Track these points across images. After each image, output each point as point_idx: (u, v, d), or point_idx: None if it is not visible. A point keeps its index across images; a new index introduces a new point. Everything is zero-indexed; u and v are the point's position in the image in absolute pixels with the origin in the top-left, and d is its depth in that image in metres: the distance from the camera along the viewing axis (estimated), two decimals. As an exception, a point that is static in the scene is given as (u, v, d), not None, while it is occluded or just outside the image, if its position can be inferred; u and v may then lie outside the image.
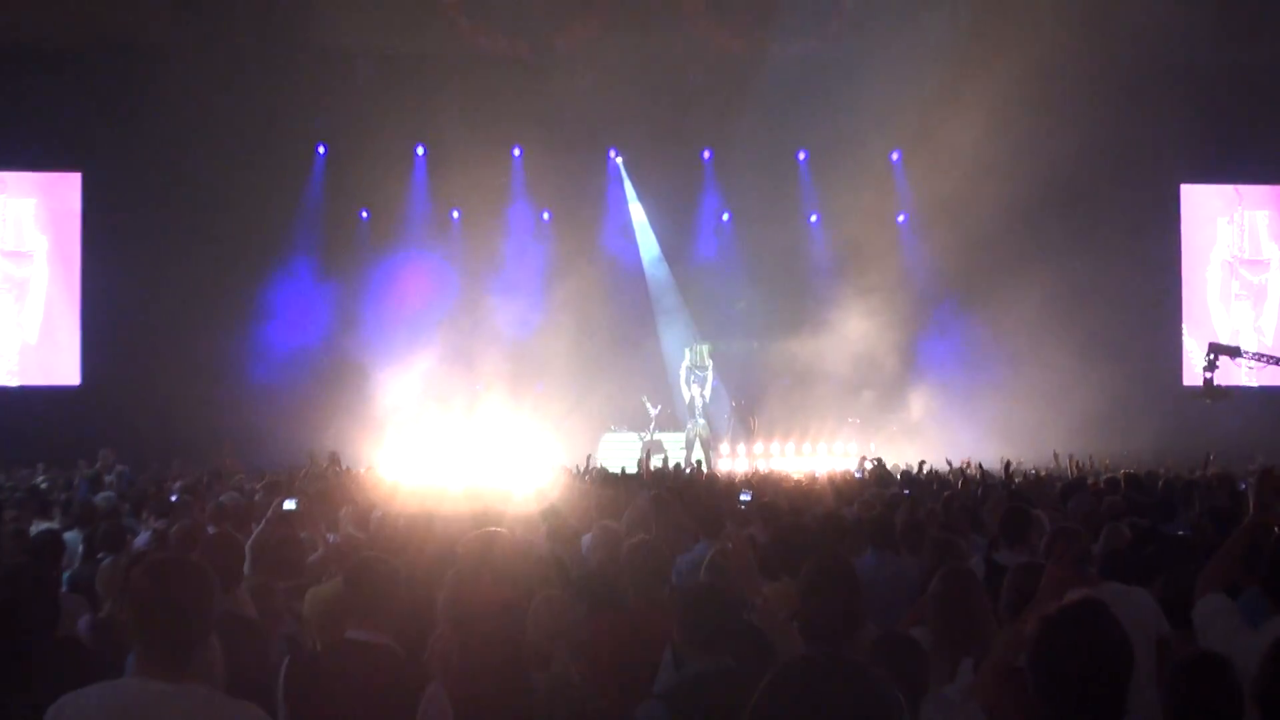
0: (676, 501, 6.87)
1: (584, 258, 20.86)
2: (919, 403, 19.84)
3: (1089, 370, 17.97)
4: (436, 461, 15.23)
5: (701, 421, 18.27)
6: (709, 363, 18.59)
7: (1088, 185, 19.50)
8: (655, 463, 13.55)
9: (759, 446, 18.96)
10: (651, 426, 19.85)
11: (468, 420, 18.78)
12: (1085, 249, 19.24)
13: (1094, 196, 19.80)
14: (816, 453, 18.19)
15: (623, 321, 21.34)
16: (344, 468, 10.82)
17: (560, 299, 20.11)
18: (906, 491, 8.33)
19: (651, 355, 21.40)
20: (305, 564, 5.32)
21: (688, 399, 18.31)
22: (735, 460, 18.06)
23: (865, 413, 20.21)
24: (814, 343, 19.77)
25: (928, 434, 18.53)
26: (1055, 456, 13.18)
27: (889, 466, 12.79)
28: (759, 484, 9.38)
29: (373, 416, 18.22)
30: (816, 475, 11.31)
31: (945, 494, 8.09)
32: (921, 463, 12.16)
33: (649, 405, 19.85)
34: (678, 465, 13.15)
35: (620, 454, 18.35)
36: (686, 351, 18.42)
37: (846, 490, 8.83)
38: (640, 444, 19.39)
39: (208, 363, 18.50)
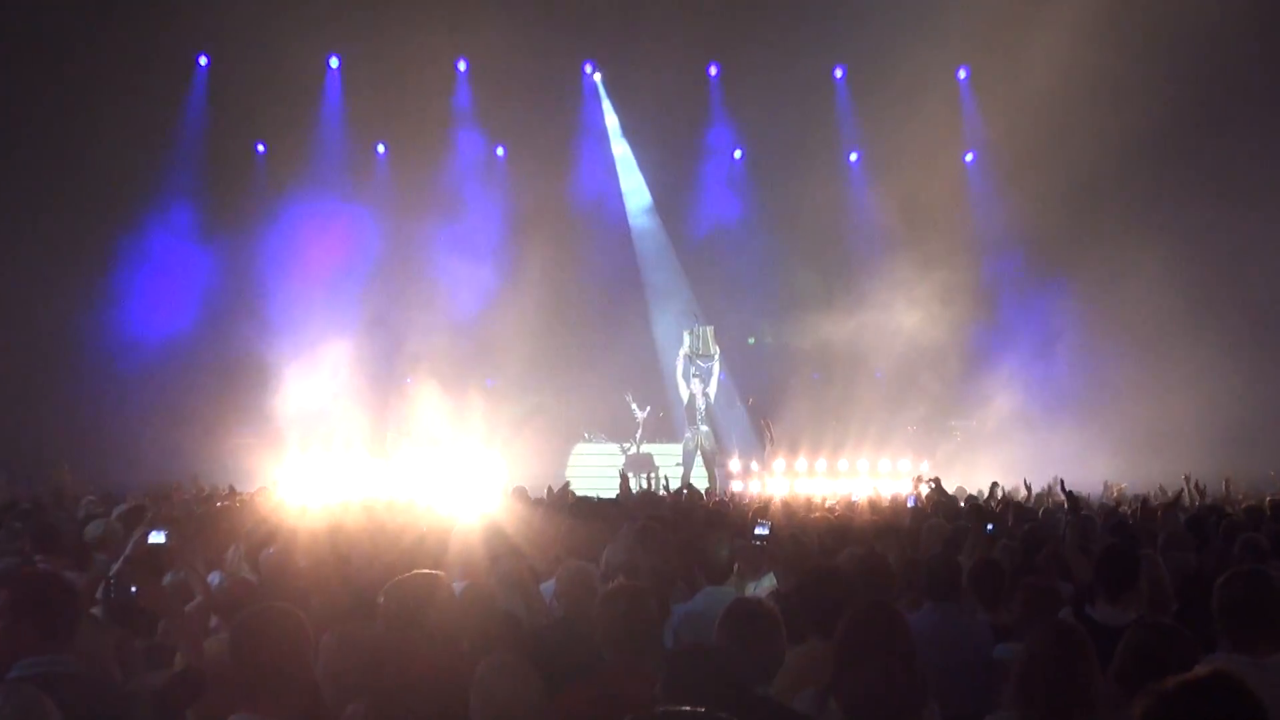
0: (670, 535, 6.86)
1: (550, 209, 20.96)
2: (992, 406, 20.01)
3: (1230, 365, 17.44)
4: (354, 481, 15.26)
5: (704, 429, 18.22)
6: (715, 350, 18.49)
7: (1232, 110, 18.53)
8: (639, 484, 13.54)
9: (779, 463, 18.95)
10: (638, 435, 19.95)
11: (396, 425, 19.01)
12: (1227, 199, 18.10)
13: (1240, 126, 18.47)
14: (855, 472, 18.24)
15: (601, 294, 21.54)
16: (235, 492, 10.78)
17: (519, 264, 20.24)
18: (990, 527, 8.37)
19: (639, 340, 21.56)
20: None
21: (686, 398, 18.26)
22: (748, 481, 18.11)
23: (921, 418, 20.43)
24: (852, 325, 19.92)
25: (1003, 447, 18.66)
26: (1185, 482, 11.73)
27: (952, 490, 12.80)
28: (779, 513, 9.39)
29: (271, 420, 18.31)
30: (855, 501, 11.38)
31: (1026, 527, 8.10)
32: (994, 486, 12.19)
33: (635, 407, 19.91)
34: (673, 487, 13.17)
35: (598, 471, 18.39)
36: (685, 335, 18.32)
37: (895, 522, 8.88)
38: (623, 458, 19.58)
39: (52, 349, 18.39)
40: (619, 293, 21.82)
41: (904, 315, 19.79)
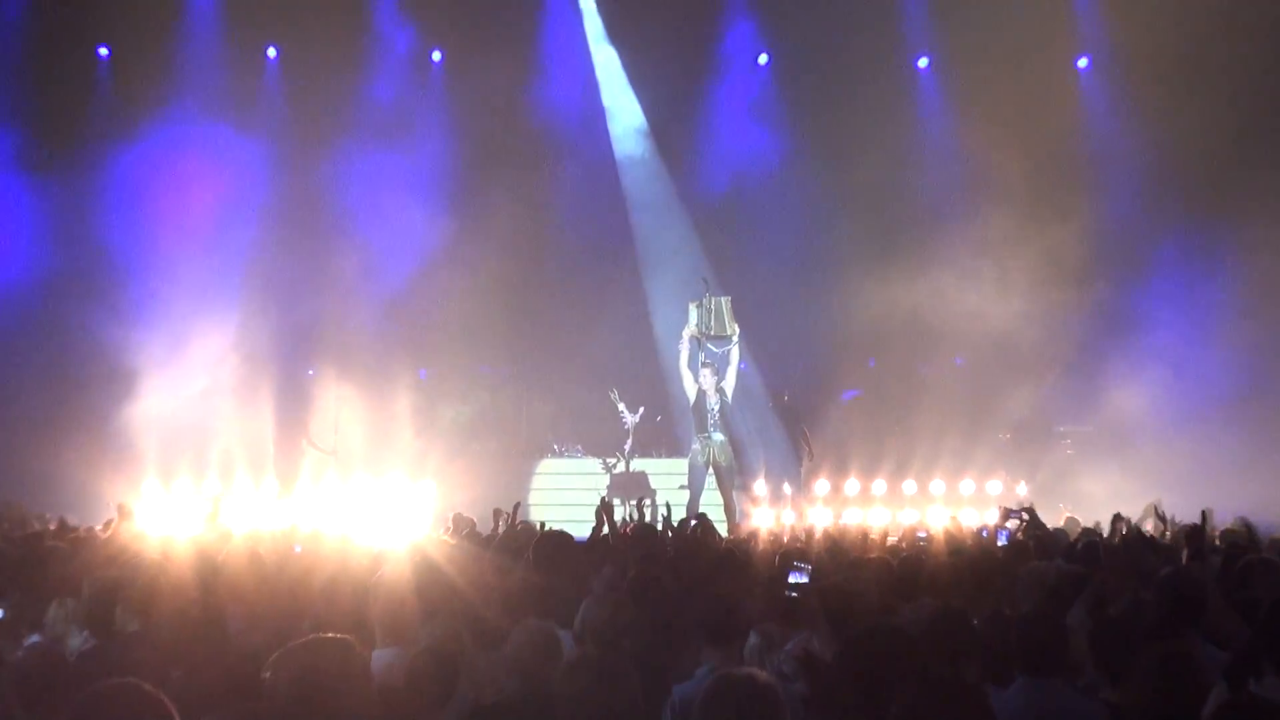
0: (672, 584, 6.86)
1: (506, 138, 21.15)
2: (1115, 407, 19.95)
3: None
4: (235, 508, 15.30)
5: (718, 438, 18.10)
6: (733, 330, 18.36)
7: None
8: (628, 513, 13.54)
9: (822, 485, 18.97)
10: (627, 447, 20.06)
11: (291, 434, 19.17)
12: None
13: None
14: (926, 497, 18.26)
15: (577, 254, 21.80)
16: (67, 526, 10.74)
17: (464, 213, 20.44)
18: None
19: (629, 316, 21.70)
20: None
21: (694, 396, 18.13)
22: (779, 509, 18.12)
23: (1017, 423, 20.50)
24: (922, 296, 20.03)
25: (1129, 464, 18.64)
26: None
27: (1060, 522, 12.79)
28: (822, 553, 9.41)
29: (121, 428, 18.32)
30: (926, 537, 11.41)
31: (1163, 572, 8.08)
32: (1117, 519, 12.17)
33: (623, 409, 19.99)
34: (676, 517, 13.14)
35: (573, 496, 18.45)
36: (692, 310, 18.12)
37: (979, 566, 8.86)
38: (607, 479, 19.65)
39: None
40: (601, 252, 21.97)
41: (994, 283, 19.90)
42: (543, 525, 11.95)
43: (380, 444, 18.56)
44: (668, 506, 13.75)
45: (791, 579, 7.32)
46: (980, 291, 19.95)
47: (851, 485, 18.38)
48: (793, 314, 21.51)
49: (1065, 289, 19.92)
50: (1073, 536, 11.37)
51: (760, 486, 18.45)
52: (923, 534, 11.76)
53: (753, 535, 13.01)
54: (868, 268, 20.50)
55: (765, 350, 21.32)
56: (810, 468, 19.44)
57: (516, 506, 12.61)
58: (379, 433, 18.66)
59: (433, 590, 6.91)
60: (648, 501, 17.94)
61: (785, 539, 11.89)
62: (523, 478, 20.16)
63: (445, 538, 11.07)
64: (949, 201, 21.21)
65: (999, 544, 11.04)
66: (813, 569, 7.68)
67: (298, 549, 9.58)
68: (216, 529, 10.95)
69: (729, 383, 17.63)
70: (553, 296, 21.48)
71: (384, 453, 18.44)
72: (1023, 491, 17.34)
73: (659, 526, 12.64)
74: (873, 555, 9.24)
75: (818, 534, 11.71)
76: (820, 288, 21.58)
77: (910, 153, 21.73)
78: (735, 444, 18.26)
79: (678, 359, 18.02)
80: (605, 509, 12.14)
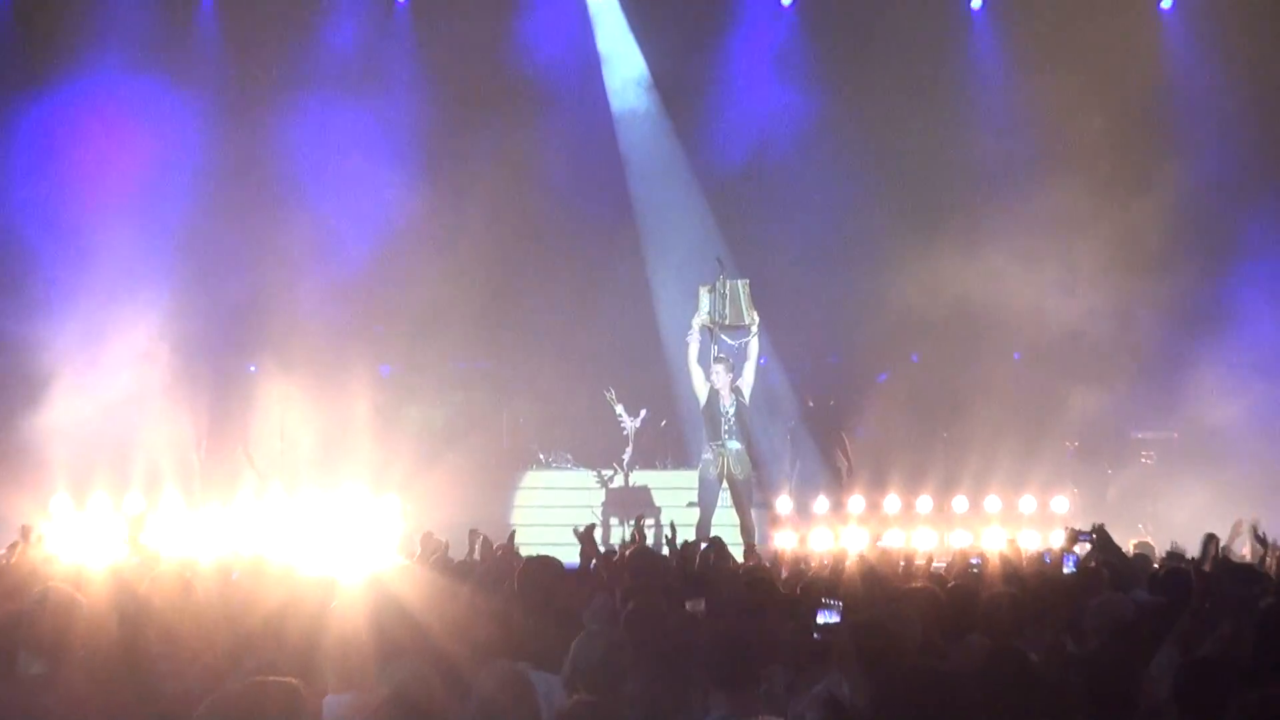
0: (674, 618, 6.96)
1: (484, 91, 21.30)
2: (1203, 411, 20.00)
3: None
4: (161, 529, 15.25)
5: (734, 446, 18.04)
6: (751, 320, 18.31)
7: None
8: (627, 535, 13.54)
9: (856, 501, 18.92)
10: (626, 457, 20.20)
11: (228, 441, 19.20)
12: None
13: None
14: (981, 516, 18.23)
15: (567, 228, 21.94)
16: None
17: (436, 182, 20.63)
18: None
19: (631, 302, 21.81)
20: None
21: (705, 397, 18.10)
22: (807, 530, 18.06)
23: (1087, 430, 20.53)
24: (972, 283, 20.09)
25: (1219, 477, 18.64)
26: None
27: (1136, 544, 12.76)
28: (856, 585, 9.39)
29: (26, 437, 18.27)
30: (978, 562, 11.42)
31: (1263, 604, 8.03)
32: (1209, 539, 12.11)
33: (620, 411, 20.16)
34: (678, 539, 13.10)
35: (562, 514, 18.51)
36: (703, 295, 18.05)
37: (1041, 598, 8.96)
38: (602, 494, 19.78)
39: None
40: (597, 226, 22.06)
41: (1059, 268, 20.03)
42: (497, 546, 12.04)
43: (335, 453, 18.57)
44: (672, 527, 13.73)
45: (822, 619, 7.31)
46: (1043, 277, 20.08)
47: (891, 502, 18.30)
48: (822, 301, 21.62)
49: (1143, 274, 19.99)
50: (1155, 562, 11.35)
51: (784, 504, 18.44)
52: (975, 559, 11.74)
53: (774, 561, 13.02)
54: (911, 248, 20.63)
55: (790, 343, 21.36)
56: (847, 483, 19.41)
57: (512, 535, 12.64)
58: (333, 439, 18.68)
59: (395, 626, 6.90)
60: (650, 521, 17.85)
61: (813, 565, 11.88)
62: (504, 491, 20.28)
63: (411, 564, 11.05)
64: (1007, 171, 21.33)
65: (1065, 571, 11.04)
66: (844, 601, 7.68)
67: (235, 577, 9.54)
68: (140, 553, 10.93)
69: (747, 381, 17.58)
70: (539, 279, 21.56)
71: (339, 463, 18.37)
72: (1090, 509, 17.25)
73: (664, 550, 12.65)
74: (916, 584, 9.23)
75: (851, 559, 11.66)
76: (855, 271, 21.63)
77: (962, 113, 21.83)
78: (754, 453, 18.27)
79: (686, 353, 17.99)
80: (582, 537, 12.15)
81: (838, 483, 19.68)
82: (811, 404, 20.59)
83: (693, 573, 10.59)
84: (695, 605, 8.30)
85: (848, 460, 19.43)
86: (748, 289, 17.83)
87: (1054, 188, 20.17)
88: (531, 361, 21.18)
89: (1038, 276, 20.06)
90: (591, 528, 12.93)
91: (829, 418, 20.25)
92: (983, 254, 20.08)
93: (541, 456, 21.22)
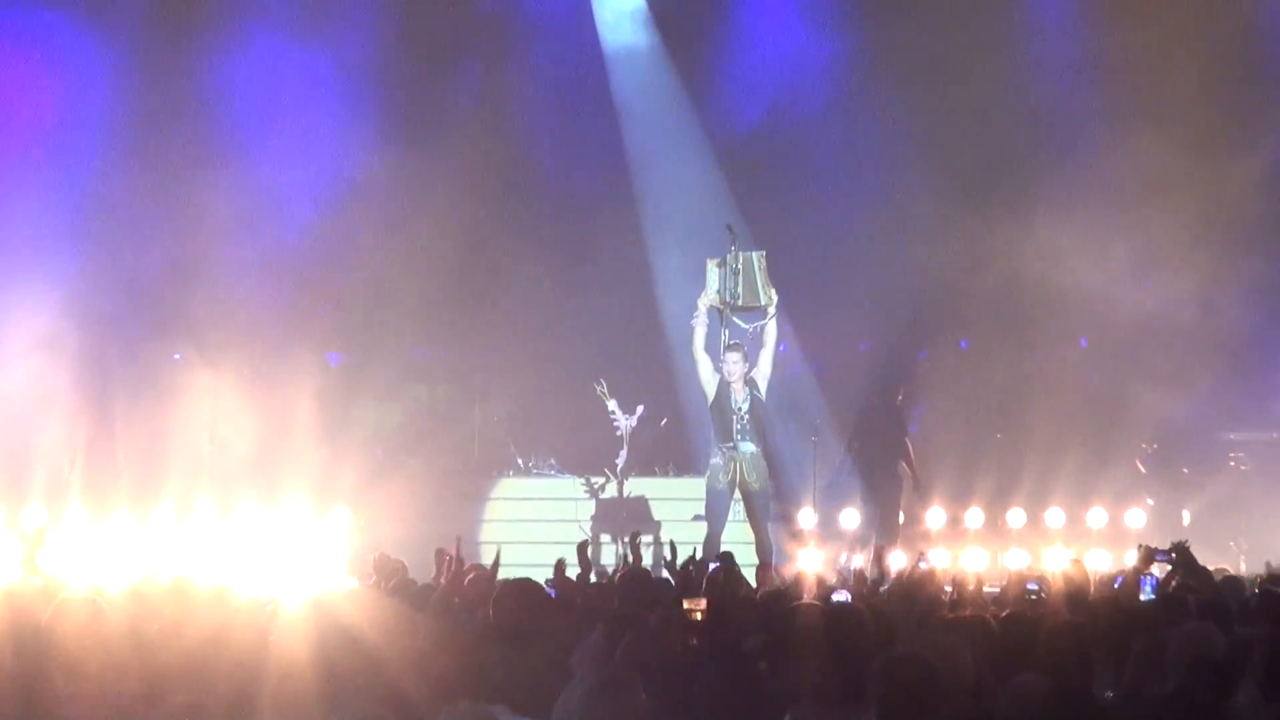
0: (682, 648, 6.93)
1: (457, 25, 21.46)
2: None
3: None
4: (67, 548, 15.23)
5: (748, 450, 18.02)
6: (768, 299, 18.28)
7: None
8: (621, 554, 13.53)
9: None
10: (619, 461, 20.18)
11: (148, 443, 19.10)
12: None
13: None
14: (1041, 532, 18.22)
15: (552, 192, 22.16)
16: None
17: (396, 135, 20.71)
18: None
19: (626, 278, 21.91)
20: None
21: (713, 391, 18.07)
22: (838, 551, 18.05)
23: (1169, 432, 20.58)
24: (1030, 259, 20.25)
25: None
26: None
27: (1230, 566, 12.74)
28: (890, 612, 9.43)
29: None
30: (1038, 586, 11.43)
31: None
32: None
33: (613, 408, 20.13)
34: (683, 560, 13.05)
35: (545, 530, 18.76)
36: (711, 270, 18.04)
37: (1113, 629, 8.92)
38: (592, 505, 19.84)
39: None
40: (586, 188, 22.19)
41: (1135, 242, 20.07)
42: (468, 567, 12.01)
43: (274, 457, 18.57)
44: (672, 546, 13.72)
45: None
46: (1115, 252, 20.16)
47: (935, 515, 18.34)
48: (853, 279, 21.65)
49: (1234, 251, 20.06)
50: (1253, 588, 11.32)
51: (806, 517, 18.45)
52: (1034, 584, 11.73)
53: (795, 584, 12.95)
54: (959, 217, 20.74)
55: (814, 327, 21.39)
56: (917, 500, 19.38)
57: (497, 559, 12.59)
58: (272, 441, 18.70)
59: (344, 659, 6.99)
60: (648, 538, 17.84)
61: (839, 588, 11.84)
62: (474, 505, 20.33)
63: (364, 588, 11.06)
64: (1075, 126, 21.40)
65: (1140, 597, 11.01)
66: (880, 633, 7.67)
67: (154, 602, 9.49)
68: (39, 576, 10.91)
69: (763, 372, 17.58)
70: (519, 251, 21.54)
71: (279, 469, 18.35)
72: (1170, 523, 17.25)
73: (661, 573, 12.64)
74: (965, 613, 9.26)
75: (889, 581, 11.66)
76: (891, 243, 21.67)
77: (1021, 56, 21.78)
78: (771, 457, 18.28)
79: (691, 339, 17.97)
80: (580, 552, 12.15)
81: (895, 495, 19.68)
82: (901, 398, 20.50)
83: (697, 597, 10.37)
84: (694, 605, 8.28)
85: (914, 472, 19.34)
86: (764, 262, 17.81)
87: (1131, 147, 20.07)
88: (508, 349, 21.26)
89: (1109, 251, 20.14)
90: (584, 546, 12.94)
91: (895, 417, 20.15)
92: (1044, 224, 20.22)
93: (520, 461, 21.23)
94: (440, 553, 12.42)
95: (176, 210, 20.23)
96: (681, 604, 10.05)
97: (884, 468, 19.95)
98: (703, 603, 8.51)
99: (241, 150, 20.43)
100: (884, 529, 19.06)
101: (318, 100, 20.52)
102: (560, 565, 12.43)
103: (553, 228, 21.93)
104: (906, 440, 19.54)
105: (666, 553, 13.26)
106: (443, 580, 11.76)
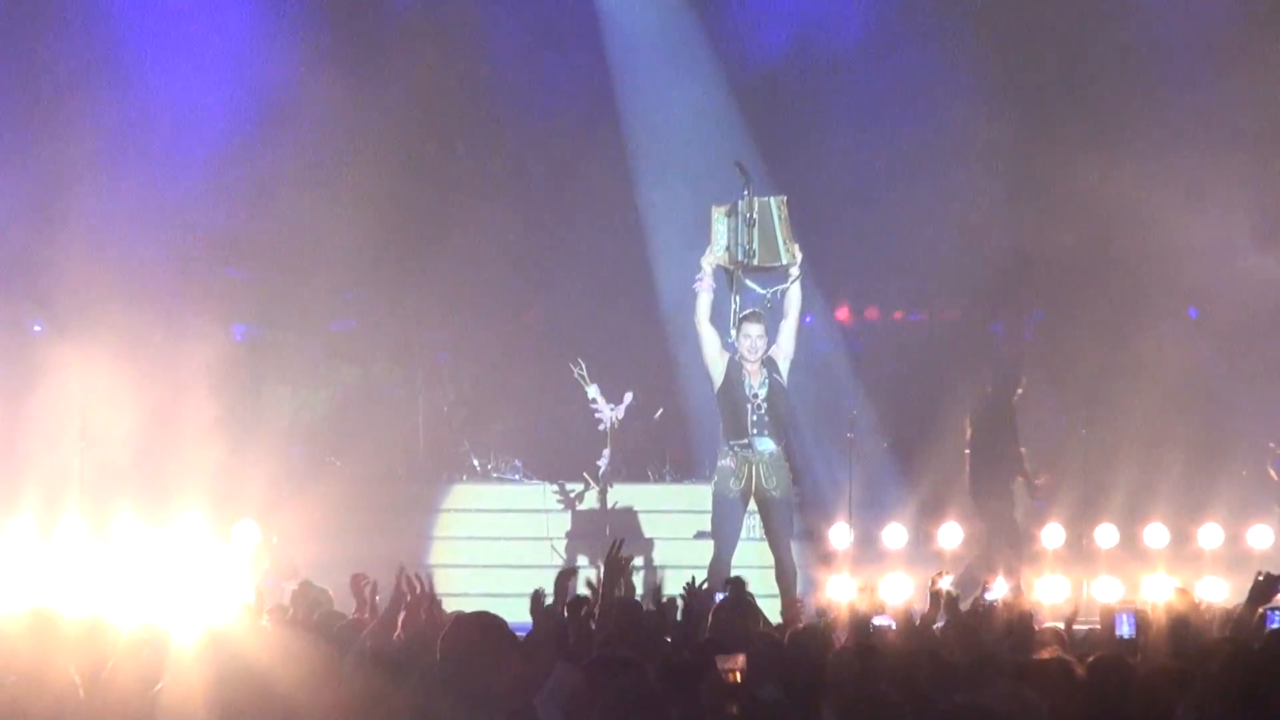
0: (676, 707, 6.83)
1: None
2: None
3: None
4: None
5: (766, 447, 17.98)
6: (790, 257, 18.17)
7: None
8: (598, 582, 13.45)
9: (950, 532, 18.86)
10: (602, 462, 20.21)
11: (3, 442, 19.18)
12: None
13: None
14: (1138, 553, 18.19)
15: (527, 125, 22.26)
16: None
17: (330, 47, 20.88)
18: None
19: (612, 229, 22.07)
20: None
21: (720, 373, 17.97)
22: (876, 571, 17.99)
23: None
24: (1121, 214, 20.43)
25: None
26: None
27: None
28: (948, 655, 9.49)
29: None
30: (1133, 621, 11.41)
31: None
32: None
33: (594, 395, 20.07)
34: (683, 591, 12.99)
35: (505, 550, 19.00)
36: (720, 221, 17.93)
37: (1232, 676, 8.80)
38: (567, 518, 19.91)
39: None
40: (564, 120, 22.31)
41: (1257, 194, 20.29)
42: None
43: (161, 457, 18.62)
44: (690, 587, 13.54)
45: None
46: (1235, 207, 20.30)
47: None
48: (896, 233, 21.79)
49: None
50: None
51: (840, 534, 18.47)
52: (1128, 614, 11.68)
53: (825, 619, 12.85)
54: (1028, 161, 21.07)
55: (848, 293, 21.49)
56: (1043, 511, 19.34)
57: (417, 582, 12.42)
58: (159, 437, 18.70)
59: (249, 714, 7.01)
60: (638, 559, 17.73)
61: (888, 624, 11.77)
62: (418, 518, 20.43)
63: (275, 623, 11.08)
64: (1181, 52, 21.38)
65: (1268, 628, 11.07)
66: (936, 679, 7.61)
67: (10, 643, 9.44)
68: None
69: (785, 350, 17.53)
70: (478, 197, 21.69)
71: (168, 473, 18.40)
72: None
73: (639, 599, 12.52)
74: (1043, 655, 9.20)
75: (944, 617, 11.58)
76: (947, 193, 21.86)
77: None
78: (795, 458, 18.20)
79: (693, 308, 17.90)
80: (536, 600, 12.02)
81: (1009, 509, 19.59)
82: (990, 389, 20.42)
83: (701, 637, 10.59)
84: (731, 664, 8.16)
85: (1030, 479, 19.22)
86: (785, 210, 17.67)
87: (1252, 78, 20.25)
88: (462, 320, 21.48)
89: (1228, 206, 20.25)
90: (569, 576, 12.74)
91: (1009, 413, 20.04)
92: (1140, 171, 20.34)
93: (476, 463, 21.34)
94: (356, 580, 12.26)
95: (40, 138, 20.26)
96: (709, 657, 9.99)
97: (996, 476, 20.01)
98: (741, 660, 8.39)
99: (127, 66, 20.49)
100: (997, 550, 19.05)
101: (225, 3, 20.41)
102: (538, 598, 12.31)
103: (520, 166, 22.14)
104: (1019, 444, 19.42)
105: (677, 589, 13.10)
106: (373, 614, 11.67)
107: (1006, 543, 19.08)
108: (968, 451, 20.05)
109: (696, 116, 22.26)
